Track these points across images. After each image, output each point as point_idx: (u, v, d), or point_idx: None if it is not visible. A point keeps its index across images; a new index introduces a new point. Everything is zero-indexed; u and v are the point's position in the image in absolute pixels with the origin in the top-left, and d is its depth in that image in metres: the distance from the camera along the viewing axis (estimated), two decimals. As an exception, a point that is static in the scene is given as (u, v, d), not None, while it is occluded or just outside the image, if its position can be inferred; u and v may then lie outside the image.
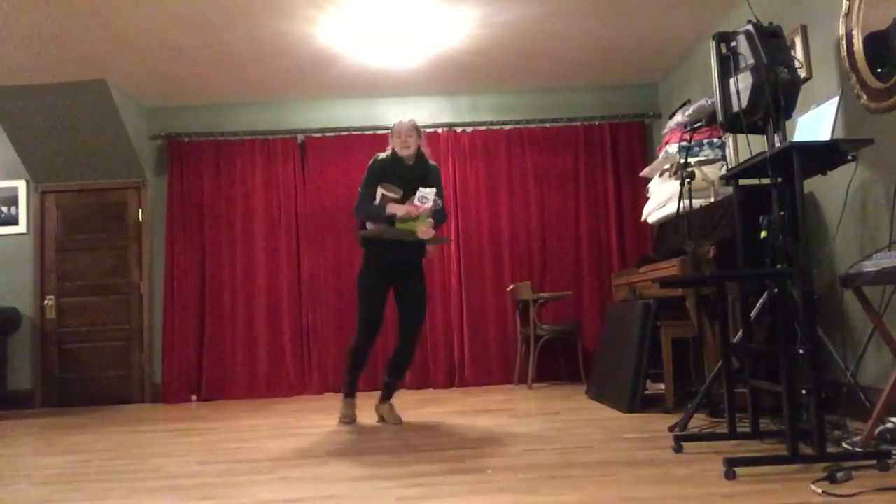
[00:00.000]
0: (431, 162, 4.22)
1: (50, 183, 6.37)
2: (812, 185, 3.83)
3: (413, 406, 5.00)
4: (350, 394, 4.29)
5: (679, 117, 4.53)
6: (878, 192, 3.40)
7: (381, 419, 4.22)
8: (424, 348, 6.15)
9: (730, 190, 3.43)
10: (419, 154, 4.12)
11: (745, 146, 3.81)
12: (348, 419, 4.20)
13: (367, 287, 4.09)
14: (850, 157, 2.81)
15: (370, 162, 4.15)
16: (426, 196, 3.97)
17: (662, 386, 4.24)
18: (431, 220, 3.98)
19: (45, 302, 6.30)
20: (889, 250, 2.94)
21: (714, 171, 4.26)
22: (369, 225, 4.08)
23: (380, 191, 3.97)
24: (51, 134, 6.02)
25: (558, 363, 6.18)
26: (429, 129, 6.41)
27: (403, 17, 4.85)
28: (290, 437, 3.87)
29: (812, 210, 3.93)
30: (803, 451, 2.50)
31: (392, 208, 3.94)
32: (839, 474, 2.28)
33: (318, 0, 4.57)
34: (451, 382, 6.14)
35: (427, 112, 6.49)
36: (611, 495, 2.29)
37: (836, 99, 3.07)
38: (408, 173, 4.07)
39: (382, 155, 4.15)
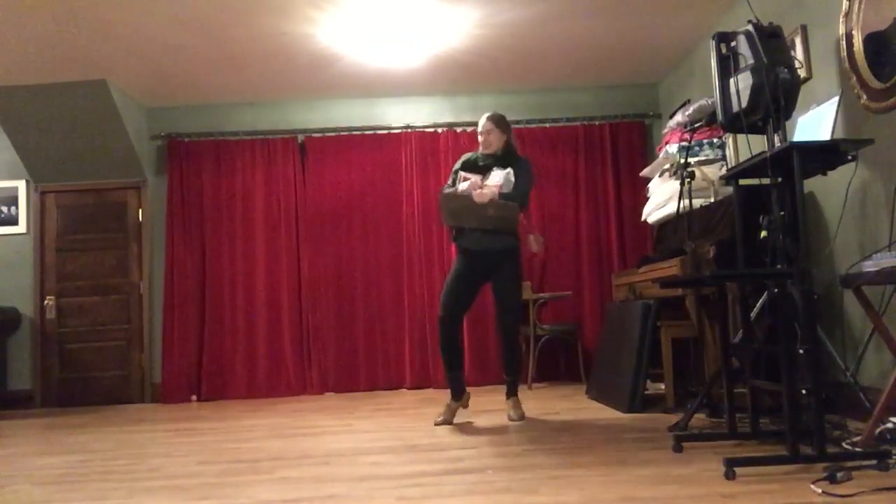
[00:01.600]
0: (523, 157, 4.17)
1: (50, 183, 6.37)
2: (812, 185, 3.83)
3: (413, 406, 5.01)
4: (453, 395, 4.09)
5: (679, 117, 4.53)
6: (878, 192, 3.40)
7: (449, 419, 4.05)
8: (424, 348, 6.15)
9: (730, 190, 3.43)
10: (507, 147, 4.09)
11: (745, 146, 3.81)
12: (442, 419, 4.01)
13: (452, 272, 4.07)
14: (850, 157, 2.81)
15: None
16: (498, 174, 3.97)
17: (662, 386, 4.24)
18: (495, 189, 3.91)
19: (45, 302, 6.30)
20: (889, 250, 2.94)
21: (714, 171, 4.26)
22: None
23: (460, 174, 4.05)
24: (51, 134, 6.02)
25: (558, 363, 6.18)
26: (429, 130, 6.42)
27: (403, 17, 4.85)
28: (290, 437, 3.87)
29: (812, 210, 3.93)
30: (803, 451, 2.50)
31: (461, 185, 3.98)
32: (839, 474, 2.28)
33: (318, 0, 4.57)
34: (451, 382, 6.13)
35: (427, 112, 6.50)
36: (611, 495, 2.29)
37: (836, 99, 3.07)
38: (489, 162, 4.06)
39: (471, 153, 4.22)
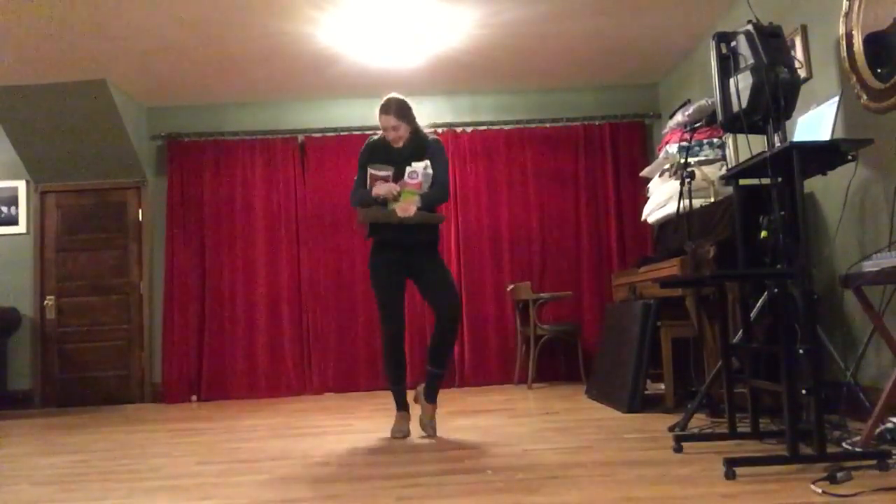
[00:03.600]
0: (431, 136, 3.75)
1: (50, 183, 6.37)
2: (812, 185, 3.83)
3: (413, 406, 4.99)
4: (399, 405, 3.76)
5: (679, 117, 4.53)
6: (878, 192, 3.40)
7: (420, 423, 3.70)
8: (424, 348, 6.13)
9: (730, 190, 3.43)
10: (416, 135, 3.68)
11: (745, 146, 3.81)
12: (398, 433, 3.65)
13: (375, 276, 3.67)
14: (850, 157, 2.81)
15: (363, 146, 3.77)
16: (415, 171, 3.56)
17: (662, 386, 4.24)
18: (417, 197, 3.53)
19: (45, 302, 6.30)
20: (889, 250, 2.94)
21: (714, 171, 4.26)
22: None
23: (369, 171, 3.61)
24: (51, 134, 6.02)
25: (558, 363, 6.18)
26: (429, 130, 6.39)
27: (403, 17, 4.85)
28: (290, 437, 3.87)
29: (812, 210, 3.93)
30: (803, 451, 2.50)
31: (376, 189, 3.54)
32: (839, 474, 2.28)
33: (317, 0, 4.57)
34: (451, 382, 6.13)
35: (427, 112, 6.47)
36: (611, 495, 2.29)
37: (836, 99, 3.07)
38: (399, 154, 3.63)
39: (375, 136, 3.75)
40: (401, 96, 3.66)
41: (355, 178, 3.74)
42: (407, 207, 3.50)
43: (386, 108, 3.59)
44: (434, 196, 3.62)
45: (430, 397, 3.72)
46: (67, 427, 4.79)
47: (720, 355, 3.13)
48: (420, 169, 3.56)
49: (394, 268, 3.65)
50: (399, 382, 3.74)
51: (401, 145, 3.63)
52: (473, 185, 6.36)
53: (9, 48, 5.00)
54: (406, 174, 3.56)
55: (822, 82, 3.84)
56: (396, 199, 3.53)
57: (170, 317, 6.21)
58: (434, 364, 3.72)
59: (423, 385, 3.76)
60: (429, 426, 3.64)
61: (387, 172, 3.58)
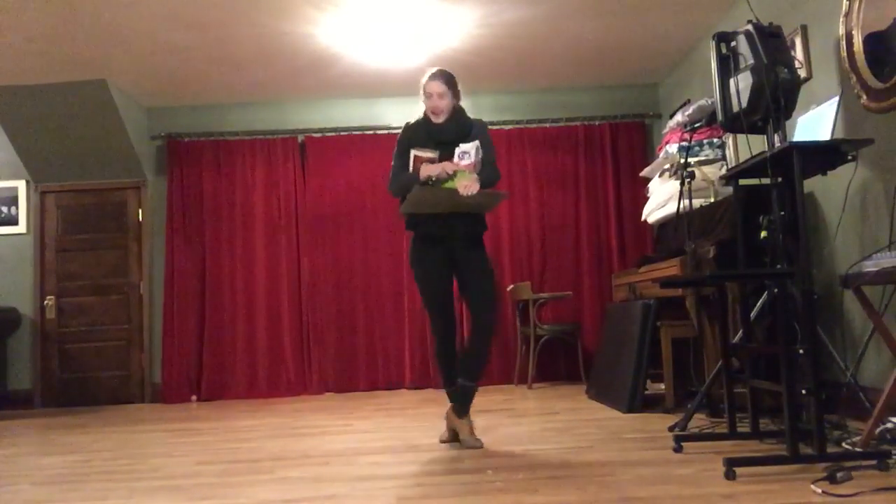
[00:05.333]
0: (473, 118, 3.53)
1: (50, 183, 6.37)
2: (812, 185, 3.83)
3: (413, 406, 5.00)
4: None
5: (679, 117, 4.54)
6: (878, 192, 3.40)
7: (453, 436, 3.39)
8: (424, 348, 6.14)
9: (730, 190, 3.43)
10: (458, 112, 3.45)
11: (745, 146, 3.81)
12: (444, 437, 3.44)
13: (419, 274, 3.40)
14: (850, 157, 2.81)
15: (401, 131, 3.51)
16: (467, 152, 3.27)
17: (662, 386, 4.24)
18: (475, 176, 3.22)
19: (45, 302, 6.30)
20: (889, 250, 2.94)
21: (714, 171, 4.26)
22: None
23: (412, 154, 3.33)
24: (51, 134, 6.02)
25: (558, 363, 6.18)
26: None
27: (403, 17, 4.85)
28: (290, 437, 3.87)
29: (812, 210, 3.93)
30: (803, 451, 2.50)
31: (426, 170, 3.24)
32: (839, 474, 2.28)
33: (317, 0, 4.57)
34: (451, 382, 6.13)
35: (427, 112, 6.49)
36: (611, 495, 2.29)
37: (836, 99, 3.07)
38: (443, 134, 3.36)
39: (412, 120, 3.50)
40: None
41: (392, 164, 3.45)
42: (470, 185, 3.17)
43: (434, 75, 3.40)
44: (489, 177, 3.33)
45: (462, 411, 3.35)
46: (67, 427, 4.79)
47: (720, 355, 3.13)
48: (472, 150, 3.28)
49: (439, 263, 3.37)
50: (455, 383, 3.38)
51: (441, 120, 3.38)
52: (473, 185, 6.35)
53: (9, 48, 5.00)
54: (456, 155, 3.27)
55: (822, 82, 3.84)
56: (449, 180, 3.22)
57: (170, 317, 6.21)
58: (466, 376, 3.35)
59: (450, 407, 3.41)
60: (472, 441, 3.27)
61: (432, 154, 3.31)
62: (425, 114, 3.42)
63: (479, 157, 3.27)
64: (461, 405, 3.35)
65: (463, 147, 3.28)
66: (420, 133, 3.40)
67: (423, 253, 3.39)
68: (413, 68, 5.83)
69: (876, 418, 2.72)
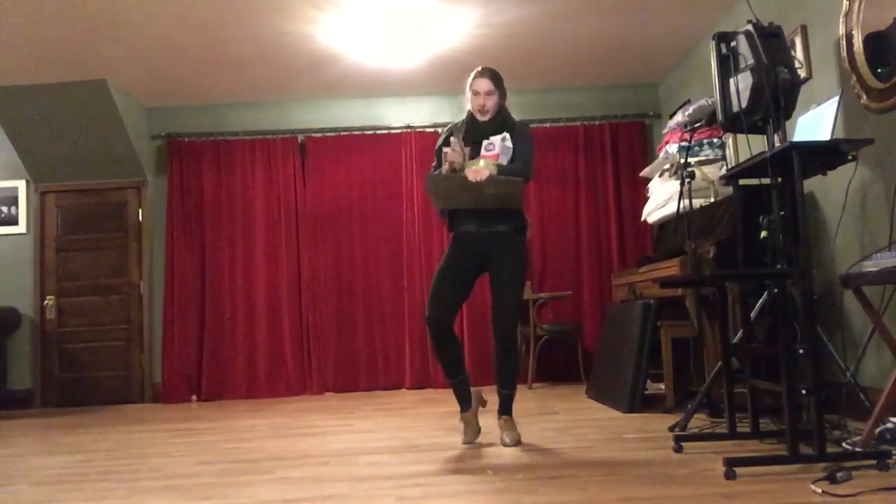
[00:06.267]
0: (516, 118, 3.48)
1: (50, 183, 6.37)
2: (812, 185, 3.83)
3: (413, 406, 5.00)
4: (462, 404, 3.44)
5: (679, 117, 4.54)
6: (878, 192, 3.40)
7: (474, 434, 3.42)
8: (424, 348, 6.14)
9: (730, 190, 3.43)
10: (503, 112, 3.39)
11: (745, 146, 3.80)
12: (470, 436, 3.39)
13: (444, 259, 3.38)
14: (850, 157, 2.81)
15: (442, 134, 3.49)
16: (492, 143, 3.23)
17: (662, 386, 4.24)
18: (493, 164, 3.17)
19: (45, 302, 6.30)
20: (889, 250, 2.94)
21: (714, 171, 4.26)
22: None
23: (443, 151, 3.28)
24: (51, 134, 6.02)
25: (558, 363, 6.18)
26: (429, 129, 6.42)
27: (403, 17, 4.85)
28: (290, 437, 3.87)
29: (812, 210, 3.93)
30: (803, 451, 2.50)
31: (448, 157, 3.21)
32: (839, 474, 2.28)
33: (317, 0, 4.57)
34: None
35: (427, 112, 6.49)
36: (611, 495, 2.29)
37: (836, 99, 3.07)
38: (483, 133, 3.31)
39: (457, 121, 3.48)
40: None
41: (433, 164, 3.46)
42: (479, 171, 3.12)
43: (481, 73, 3.38)
44: (512, 168, 3.24)
45: (503, 412, 3.42)
46: (67, 427, 4.79)
47: (720, 355, 3.13)
48: (497, 140, 3.25)
49: (463, 255, 3.34)
50: (454, 375, 3.38)
51: (488, 118, 3.33)
52: (473, 185, 6.35)
53: (9, 48, 5.00)
54: (483, 147, 3.26)
55: (822, 82, 3.84)
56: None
57: (170, 317, 6.21)
58: (500, 384, 3.39)
59: (462, 410, 3.45)
60: (508, 439, 3.29)
61: (459, 147, 3.26)
62: (470, 112, 3.38)
63: (505, 149, 3.24)
64: (503, 408, 3.41)
65: (491, 139, 3.27)
66: (459, 132, 3.36)
67: (454, 246, 3.37)
68: (413, 68, 5.84)
69: (876, 418, 2.72)
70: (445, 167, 3.23)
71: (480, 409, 3.51)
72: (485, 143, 3.27)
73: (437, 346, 3.39)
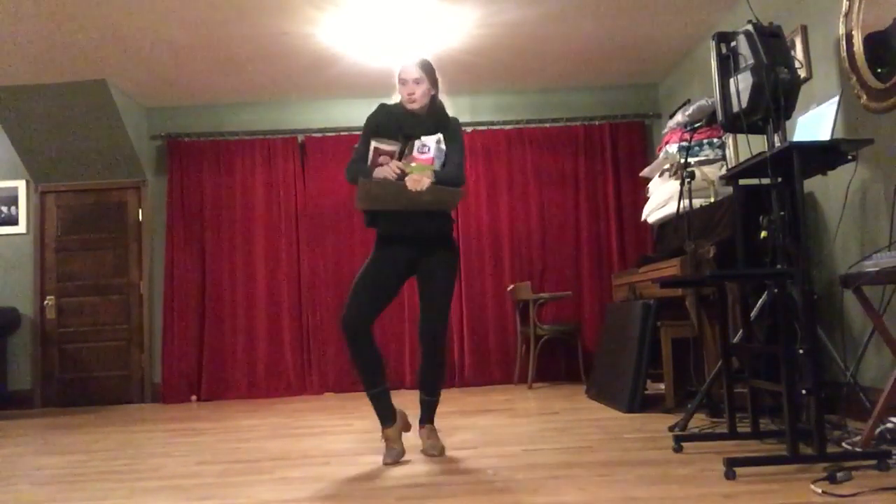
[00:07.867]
0: (451, 115, 3.22)
1: (50, 183, 6.37)
2: (812, 185, 3.83)
3: (413, 406, 4.99)
4: (383, 420, 3.16)
5: (679, 117, 4.53)
6: (878, 192, 3.40)
7: (398, 453, 3.11)
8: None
9: (730, 190, 3.43)
10: (435, 104, 3.17)
11: (745, 146, 3.81)
12: (391, 457, 3.06)
13: (368, 263, 3.15)
14: (850, 157, 2.81)
15: (373, 110, 3.22)
16: (427, 145, 3.02)
17: (662, 386, 4.24)
18: (430, 171, 2.98)
19: (45, 302, 6.30)
20: (889, 250, 2.94)
21: (714, 171, 4.26)
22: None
23: (372, 145, 3.06)
24: (51, 134, 6.02)
25: (558, 363, 6.18)
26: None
27: (403, 17, 4.85)
28: (290, 437, 3.87)
29: (812, 210, 3.93)
30: (803, 451, 2.50)
31: (379, 172, 2.99)
32: (839, 474, 2.28)
33: (317, 0, 4.57)
34: (451, 382, 6.13)
35: (427, 112, 6.48)
36: (611, 495, 2.29)
37: (836, 99, 3.07)
38: (417, 128, 3.09)
39: (390, 102, 3.21)
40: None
41: (355, 145, 3.20)
42: (419, 179, 2.91)
43: (409, 59, 3.15)
44: (449, 174, 3.03)
45: (425, 421, 3.25)
46: (67, 427, 4.79)
47: (720, 355, 3.13)
48: (432, 143, 3.02)
49: (395, 263, 3.14)
50: (371, 385, 3.12)
51: (416, 107, 3.10)
52: (473, 186, 6.36)
53: (9, 48, 5.00)
54: (415, 148, 3.03)
55: (822, 82, 3.84)
56: (401, 179, 2.96)
57: (170, 317, 6.21)
58: (425, 390, 3.23)
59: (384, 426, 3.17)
60: (431, 449, 3.15)
61: (393, 148, 3.05)
62: (401, 103, 3.14)
63: (441, 152, 3.05)
64: (424, 415, 3.24)
65: (424, 140, 3.04)
66: (391, 122, 3.12)
67: (378, 250, 3.16)
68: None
69: (876, 418, 2.72)
70: (377, 177, 3.00)
71: (403, 431, 3.24)
72: (417, 143, 3.04)
73: (354, 354, 3.12)
